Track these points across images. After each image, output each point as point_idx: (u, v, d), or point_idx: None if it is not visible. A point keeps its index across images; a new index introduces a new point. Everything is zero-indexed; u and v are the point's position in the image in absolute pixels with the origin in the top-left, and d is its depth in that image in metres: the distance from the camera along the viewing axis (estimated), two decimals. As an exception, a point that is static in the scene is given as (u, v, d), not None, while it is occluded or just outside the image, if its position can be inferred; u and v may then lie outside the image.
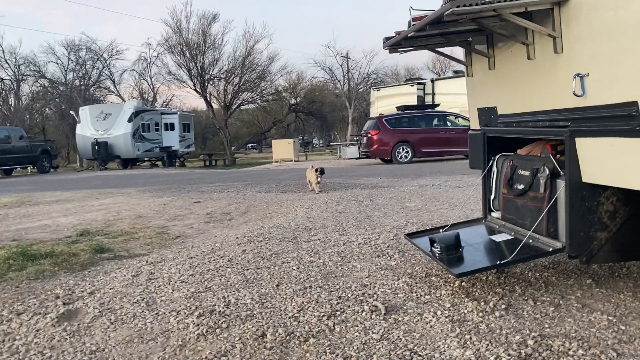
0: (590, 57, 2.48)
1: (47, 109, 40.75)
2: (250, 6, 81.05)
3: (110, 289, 3.44)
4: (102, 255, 4.56)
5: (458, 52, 4.05)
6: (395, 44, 3.42)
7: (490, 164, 3.56)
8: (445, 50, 3.95)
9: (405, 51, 3.77)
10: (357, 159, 20.74)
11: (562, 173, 2.79)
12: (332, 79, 43.47)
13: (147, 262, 4.15)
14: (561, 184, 2.76)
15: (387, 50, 3.63)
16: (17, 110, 36.65)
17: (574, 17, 2.55)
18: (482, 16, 2.67)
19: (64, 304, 3.15)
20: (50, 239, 5.50)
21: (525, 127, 3.14)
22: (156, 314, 2.92)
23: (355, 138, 28.43)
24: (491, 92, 3.55)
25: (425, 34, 3.18)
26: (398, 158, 17.24)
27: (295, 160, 24.56)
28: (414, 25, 3.09)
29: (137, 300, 3.17)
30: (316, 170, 8.68)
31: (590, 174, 2.57)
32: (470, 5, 2.48)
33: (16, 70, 37.80)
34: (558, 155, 2.90)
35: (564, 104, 2.68)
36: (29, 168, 24.30)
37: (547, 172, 2.87)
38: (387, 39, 3.50)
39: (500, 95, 3.43)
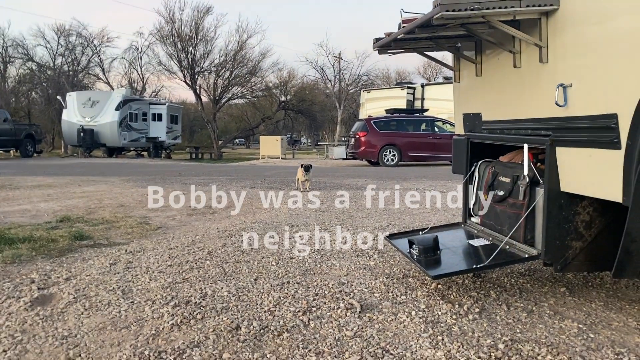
0: (574, 69, 2.52)
1: (33, 92, 40.15)
2: (245, 1, 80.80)
3: (87, 275, 3.41)
4: (81, 242, 4.52)
5: (448, 57, 4.09)
6: (385, 45, 3.44)
7: (472, 169, 3.59)
8: (436, 55, 3.98)
9: (394, 53, 3.80)
10: (344, 159, 20.78)
11: (541, 181, 2.83)
12: (323, 79, 43.46)
13: (126, 251, 4.12)
14: (540, 192, 2.80)
15: (377, 51, 3.65)
16: (3, 93, 36.07)
17: (560, 29, 2.59)
18: (471, 22, 2.71)
19: (38, 288, 3.12)
20: (30, 223, 5.44)
21: (508, 135, 3.18)
22: (131, 302, 2.90)
23: (343, 139, 28.47)
24: (477, 98, 3.59)
25: (414, 37, 3.21)
26: (385, 161, 17.31)
27: (282, 158, 24.52)
28: (403, 27, 3.11)
29: (113, 288, 3.15)
30: (301, 166, 8.62)
31: (569, 183, 2.61)
32: (460, 10, 2.50)
33: (3, 52, 37.30)
34: (538, 164, 2.94)
35: (547, 114, 2.72)
36: (11, 151, 23.95)
37: (527, 179, 2.90)
38: (377, 39, 3.52)
39: (486, 102, 3.47)
